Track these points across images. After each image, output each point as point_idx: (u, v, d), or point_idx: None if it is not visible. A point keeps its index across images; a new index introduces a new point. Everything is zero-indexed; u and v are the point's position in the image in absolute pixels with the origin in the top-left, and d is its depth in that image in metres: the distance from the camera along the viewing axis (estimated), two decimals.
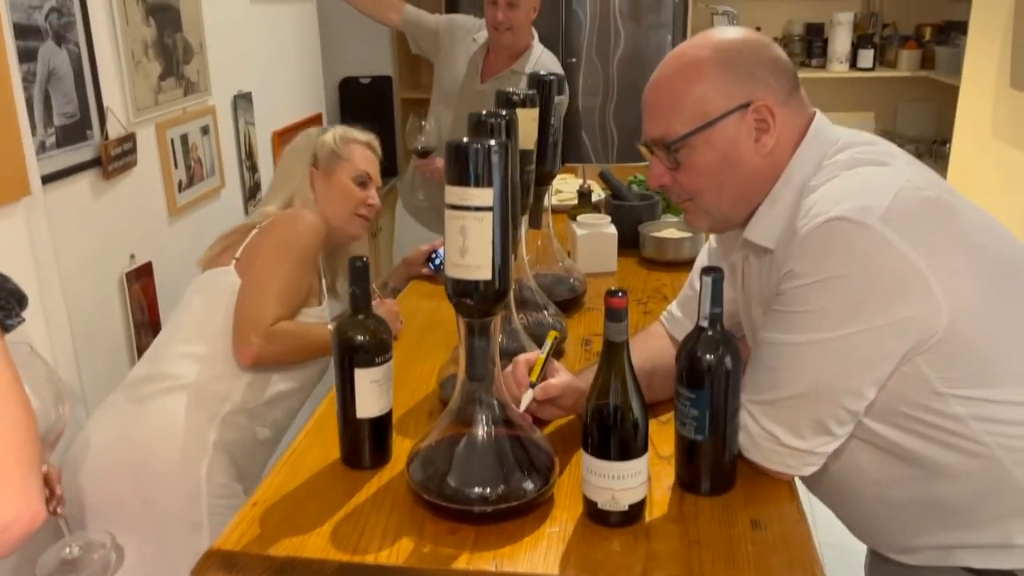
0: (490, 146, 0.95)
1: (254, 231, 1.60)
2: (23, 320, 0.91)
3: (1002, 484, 1.02)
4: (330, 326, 1.60)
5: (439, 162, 2.70)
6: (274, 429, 1.60)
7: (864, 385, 1.01)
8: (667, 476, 1.12)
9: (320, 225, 1.62)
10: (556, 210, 2.34)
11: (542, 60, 2.71)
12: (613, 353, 0.99)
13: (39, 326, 1.44)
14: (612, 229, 1.94)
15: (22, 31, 1.50)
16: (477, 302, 0.99)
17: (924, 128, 4.05)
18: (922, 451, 1.03)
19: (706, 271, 1.02)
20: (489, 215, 0.96)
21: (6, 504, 0.72)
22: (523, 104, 1.38)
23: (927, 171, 1.10)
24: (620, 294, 0.97)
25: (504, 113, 1.19)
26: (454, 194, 0.97)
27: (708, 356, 1.03)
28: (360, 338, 1.11)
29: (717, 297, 1.03)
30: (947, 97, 3.55)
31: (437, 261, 1.91)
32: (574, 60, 3.59)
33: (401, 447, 1.20)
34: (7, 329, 0.87)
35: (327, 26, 3.11)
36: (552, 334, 1.23)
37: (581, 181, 2.44)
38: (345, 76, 3.88)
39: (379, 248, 3.69)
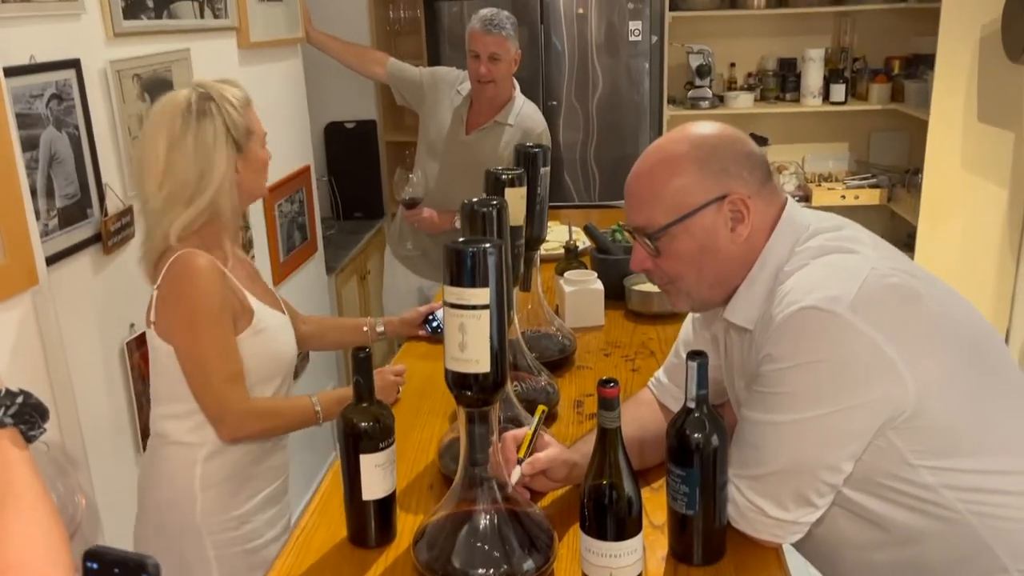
0: (486, 248, 1.01)
1: (157, 281, 1.49)
2: (44, 431, 0.95)
3: (975, 547, 1.09)
4: (314, 399, 1.59)
5: (427, 212, 2.76)
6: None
7: (840, 460, 1.08)
8: (661, 546, 1.18)
9: (211, 262, 1.48)
10: (543, 259, 2.41)
11: (524, 111, 2.78)
12: (607, 439, 1.05)
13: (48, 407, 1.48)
14: (599, 285, 2.01)
15: (24, 120, 1.55)
16: (476, 393, 1.05)
17: (896, 157, 4.16)
18: (897, 517, 1.10)
19: (691, 356, 1.08)
20: (486, 312, 1.02)
21: None
22: (512, 184, 1.45)
23: (892, 254, 1.17)
24: (612, 384, 1.03)
25: (495, 201, 1.25)
26: (452, 294, 1.03)
27: (696, 435, 1.09)
28: (364, 425, 1.16)
29: (702, 380, 1.09)
30: (918, 127, 3.66)
31: (435, 323, 1.96)
32: (555, 103, 3.67)
33: (405, 522, 1.25)
34: (30, 440, 0.92)
35: (312, 72, 3.17)
36: (540, 409, 1.29)
37: (567, 230, 2.51)
38: (330, 121, 3.94)
39: (368, 291, 3.74)
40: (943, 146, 3.45)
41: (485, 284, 1.02)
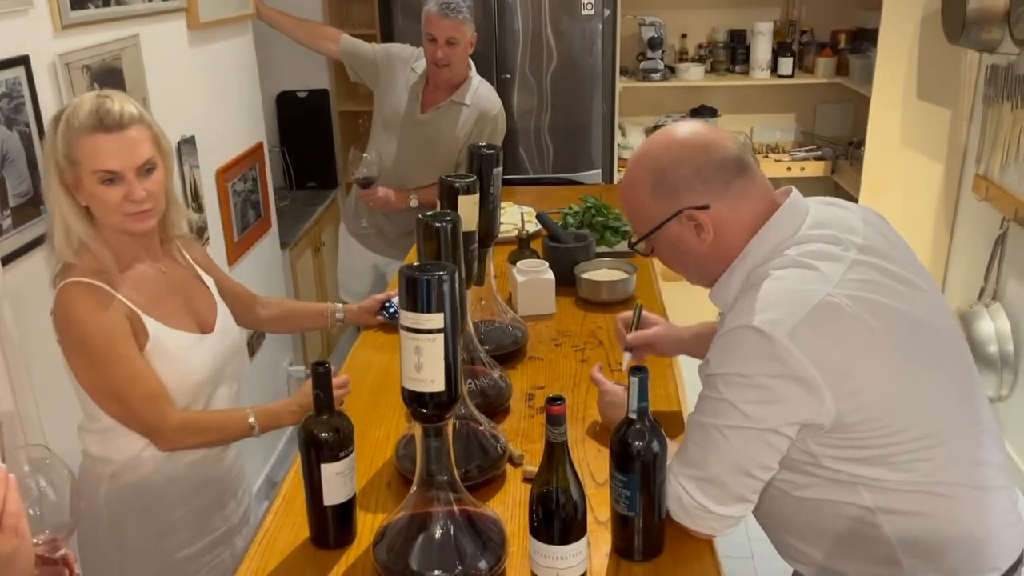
0: (440, 276, 1.07)
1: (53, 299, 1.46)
2: None
3: (871, 533, 1.21)
4: (251, 414, 1.55)
5: (381, 191, 2.79)
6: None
7: (771, 461, 1.20)
8: (604, 542, 1.27)
9: (90, 292, 1.43)
10: (497, 242, 2.46)
11: (480, 91, 2.81)
12: (555, 453, 1.13)
13: (7, 406, 1.51)
14: (550, 275, 2.07)
15: None
16: (431, 410, 1.12)
17: (841, 129, 4.27)
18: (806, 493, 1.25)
19: (633, 371, 1.16)
20: (441, 336, 1.08)
21: None
22: (466, 191, 1.49)
23: (875, 258, 1.24)
24: (559, 402, 1.11)
25: (448, 217, 1.30)
26: (408, 318, 1.08)
27: (637, 444, 1.18)
28: (325, 435, 1.22)
29: (643, 394, 1.18)
30: (861, 101, 3.76)
31: (392, 309, 2.01)
32: (508, 75, 3.68)
33: (364, 521, 1.32)
34: None
35: (263, 41, 3.13)
36: (637, 301, 1.75)
37: (518, 213, 2.56)
38: (282, 90, 3.90)
39: (323, 263, 3.76)
40: (884, 121, 3.56)
41: (440, 309, 1.07)
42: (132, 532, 1.56)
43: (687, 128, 1.30)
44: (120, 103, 1.43)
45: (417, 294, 1.07)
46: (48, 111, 1.76)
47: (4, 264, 1.58)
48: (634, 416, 1.18)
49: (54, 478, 1.09)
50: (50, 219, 1.46)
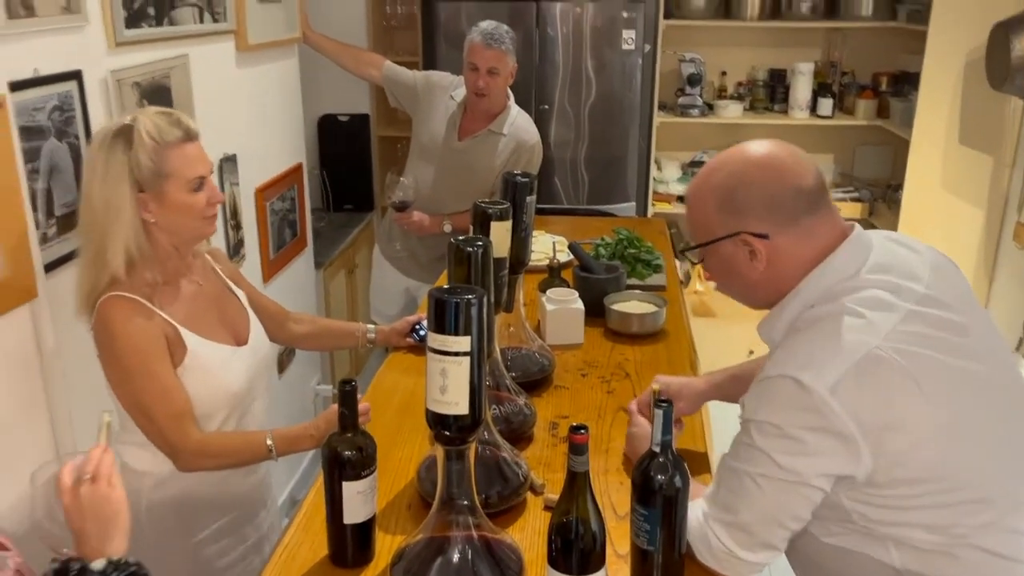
0: (468, 300, 1.08)
1: (94, 314, 1.48)
2: None
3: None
4: (269, 437, 1.56)
5: (416, 215, 2.82)
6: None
7: (803, 512, 1.18)
8: (624, 575, 1.26)
9: (132, 307, 1.46)
10: (527, 270, 2.46)
11: (518, 122, 2.83)
12: (576, 482, 1.12)
13: (43, 420, 1.54)
14: (579, 304, 2.07)
15: (27, 133, 1.59)
16: (454, 432, 1.12)
17: (880, 171, 4.23)
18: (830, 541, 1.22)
19: (658, 404, 1.16)
20: (467, 359, 1.09)
21: None
22: (498, 218, 1.50)
23: (935, 309, 1.19)
24: (582, 431, 1.10)
25: (480, 242, 1.31)
26: (435, 340, 1.09)
27: (659, 477, 1.17)
28: (347, 453, 1.23)
29: (667, 426, 1.17)
30: (901, 144, 3.73)
31: (422, 332, 2.02)
32: (547, 107, 3.72)
33: (383, 542, 1.32)
34: None
35: (308, 64, 3.19)
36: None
37: (551, 242, 2.57)
38: (324, 113, 3.97)
39: (355, 285, 3.79)
40: (924, 165, 3.53)
41: (467, 332, 1.08)
42: (173, 542, 1.59)
43: (769, 149, 1.25)
44: (185, 116, 1.52)
45: (445, 316, 1.08)
46: (97, 125, 1.81)
47: (46, 271, 1.62)
48: (657, 449, 1.17)
49: None
50: (95, 236, 1.47)
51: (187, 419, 1.51)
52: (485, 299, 1.11)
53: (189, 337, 1.53)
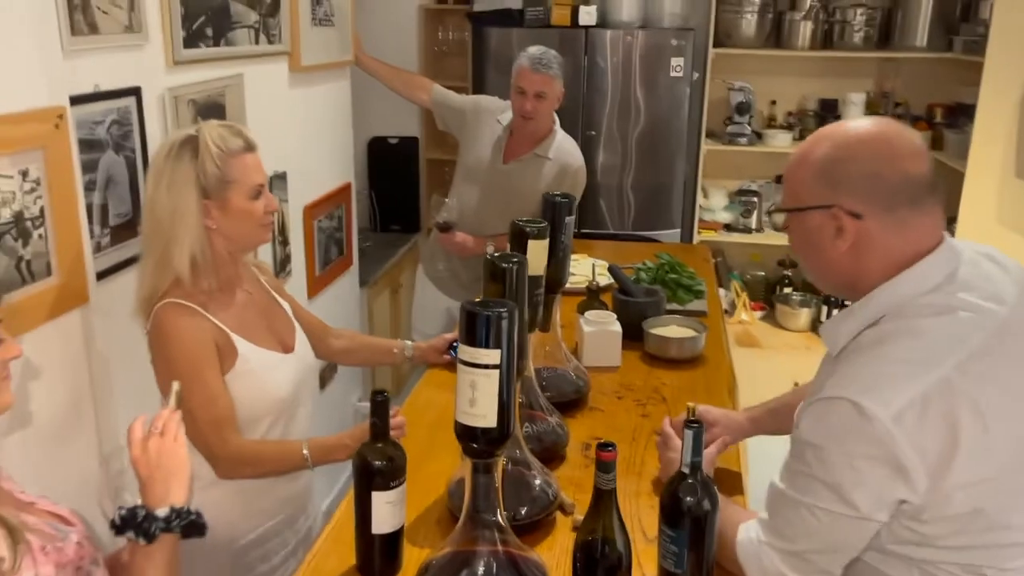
0: (500, 313, 1.09)
1: (150, 319, 1.54)
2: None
3: None
4: (305, 446, 1.59)
5: (460, 236, 2.84)
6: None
7: (862, 543, 1.13)
8: None
9: (187, 314, 1.52)
10: (566, 292, 2.47)
11: (564, 146, 2.85)
12: (602, 499, 1.12)
13: (89, 416, 1.59)
14: (617, 327, 2.07)
15: (86, 145, 1.66)
16: (482, 445, 1.13)
17: None
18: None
19: (688, 424, 1.15)
20: (496, 372, 1.10)
21: None
22: (536, 236, 1.52)
23: (1015, 338, 1.12)
24: (610, 448, 1.10)
25: (515, 258, 1.32)
26: (465, 352, 1.10)
27: (688, 499, 1.16)
28: (378, 463, 1.25)
29: (697, 448, 1.16)
30: (955, 178, 3.66)
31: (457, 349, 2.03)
32: (593, 133, 3.74)
33: (411, 555, 1.33)
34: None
35: (359, 88, 3.26)
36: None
37: (591, 266, 2.57)
38: (374, 136, 4.05)
39: (399, 305, 3.84)
40: (979, 198, 3.45)
41: (497, 346, 1.09)
42: (218, 546, 1.60)
43: (885, 128, 1.18)
44: (245, 128, 1.61)
45: (476, 329, 1.09)
46: (153, 140, 1.88)
47: (98, 279, 1.68)
48: (687, 471, 1.17)
49: None
50: (160, 242, 1.52)
51: (228, 426, 1.55)
52: (516, 313, 1.11)
53: (240, 343, 1.58)
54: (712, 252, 3.28)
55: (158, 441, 1.18)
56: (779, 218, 1.26)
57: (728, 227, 4.19)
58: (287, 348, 1.71)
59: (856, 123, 1.21)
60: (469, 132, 2.96)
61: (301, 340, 1.76)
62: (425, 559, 1.24)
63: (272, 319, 1.73)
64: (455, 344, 2.06)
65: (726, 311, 3.86)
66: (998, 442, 1.07)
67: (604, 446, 1.10)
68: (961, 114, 3.84)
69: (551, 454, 1.63)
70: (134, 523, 1.13)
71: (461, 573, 1.18)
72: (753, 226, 4.16)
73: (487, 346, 1.09)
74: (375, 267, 3.57)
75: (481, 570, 1.18)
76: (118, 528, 1.14)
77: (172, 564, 1.16)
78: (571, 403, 1.84)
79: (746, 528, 1.22)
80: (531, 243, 1.52)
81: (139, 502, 1.17)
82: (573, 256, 2.87)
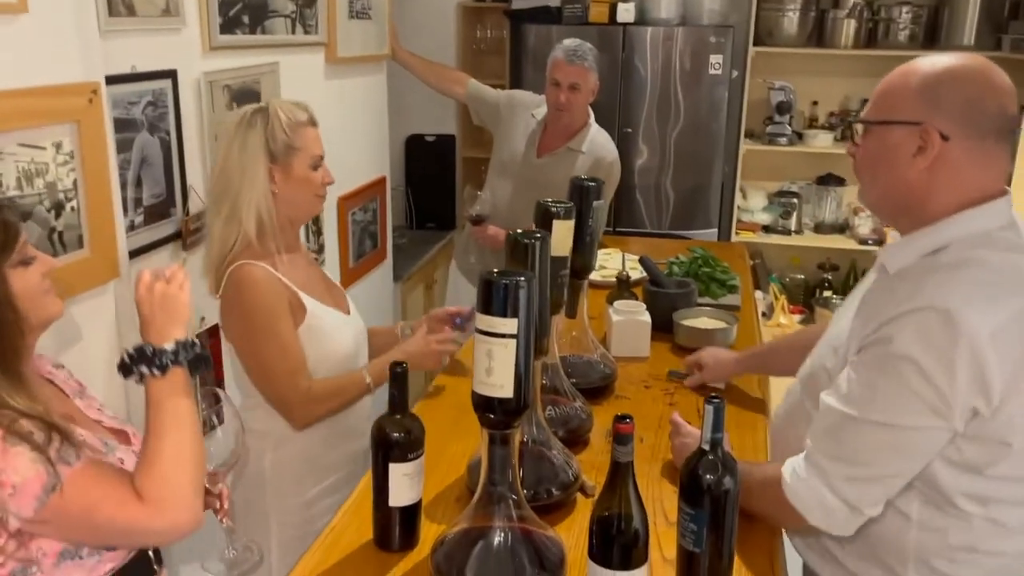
0: (517, 281, 1.08)
1: (224, 280, 1.65)
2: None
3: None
4: (365, 371, 1.73)
5: (492, 229, 2.84)
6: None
7: (923, 464, 1.15)
8: None
9: (263, 271, 1.63)
10: (597, 285, 2.46)
11: (597, 139, 2.84)
12: (619, 472, 1.10)
13: (120, 397, 1.61)
14: (646, 317, 2.04)
15: (121, 124, 1.69)
16: (499, 416, 1.12)
17: None
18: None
19: (709, 400, 1.12)
20: (513, 342, 1.09)
21: (182, 511, 1.12)
22: (560, 216, 1.50)
23: None
24: (627, 420, 1.08)
25: (538, 234, 1.31)
26: (483, 321, 1.10)
27: (708, 477, 1.13)
28: (395, 435, 1.24)
29: (718, 424, 1.13)
30: None
31: (459, 320, 2.01)
32: (630, 130, 3.71)
33: (429, 531, 1.32)
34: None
35: (397, 85, 3.29)
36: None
37: (621, 261, 2.55)
38: (412, 133, 4.07)
39: (433, 301, 3.85)
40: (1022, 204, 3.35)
41: (515, 315, 1.08)
42: (288, 499, 1.73)
43: (990, 64, 1.20)
44: (308, 105, 1.74)
45: (492, 297, 1.08)
46: (188, 122, 1.91)
47: (131, 257, 1.71)
48: (707, 447, 1.14)
49: (226, 418, 1.32)
50: (229, 199, 1.63)
51: (300, 373, 1.66)
52: (535, 285, 1.10)
53: (308, 300, 1.70)
54: (750, 254, 3.23)
55: (163, 286, 1.23)
56: (859, 128, 1.26)
57: (767, 228, 4.13)
58: (344, 311, 1.82)
59: (959, 54, 1.21)
60: (503, 126, 2.96)
61: (353, 305, 1.88)
62: (442, 532, 1.23)
63: (329, 283, 1.86)
64: (458, 318, 2.03)
65: (764, 313, 3.79)
66: None
67: (621, 418, 1.08)
68: None
69: (575, 437, 1.61)
70: (145, 358, 1.17)
71: (476, 547, 1.17)
72: (793, 228, 4.10)
73: (504, 315, 1.08)
74: (410, 263, 3.59)
75: (497, 542, 1.17)
76: (128, 366, 1.18)
77: (188, 393, 1.20)
78: (597, 390, 1.82)
79: (793, 467, 1.22)
80: (556, 223, 1.50)
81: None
82: (605, 250, 2.85)
